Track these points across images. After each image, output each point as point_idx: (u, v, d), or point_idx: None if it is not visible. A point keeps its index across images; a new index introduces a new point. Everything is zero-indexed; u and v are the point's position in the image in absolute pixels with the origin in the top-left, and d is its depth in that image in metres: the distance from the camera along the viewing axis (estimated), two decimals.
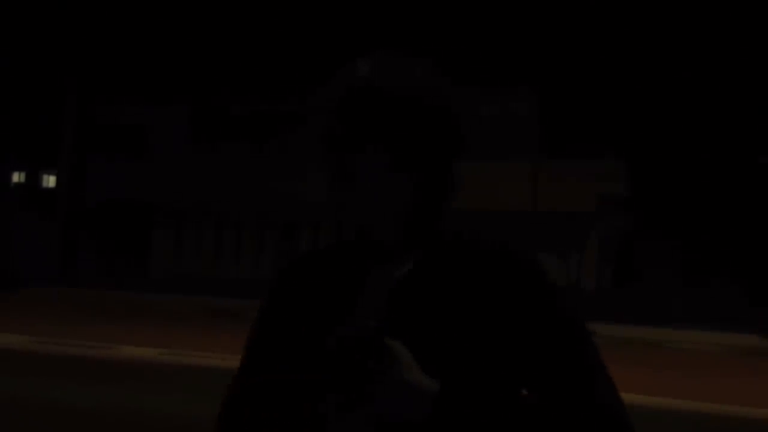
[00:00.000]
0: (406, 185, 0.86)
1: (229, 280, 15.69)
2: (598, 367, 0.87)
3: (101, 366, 6.85)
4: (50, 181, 20.84)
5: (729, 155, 14.01)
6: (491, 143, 13.76)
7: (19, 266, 17.84)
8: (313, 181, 15.77)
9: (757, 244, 13.28)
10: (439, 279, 0.88)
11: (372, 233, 0.87)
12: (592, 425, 0.83)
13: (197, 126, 17.34)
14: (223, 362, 7.21)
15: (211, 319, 11.49)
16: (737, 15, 13.16)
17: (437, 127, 0.85)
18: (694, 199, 13.99)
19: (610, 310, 11.84)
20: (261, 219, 16.52)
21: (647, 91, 13.89)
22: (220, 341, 8.91)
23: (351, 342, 0.80)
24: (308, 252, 0.96)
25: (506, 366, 0.86)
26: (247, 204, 16.41)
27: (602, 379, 0.86)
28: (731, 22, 13.26)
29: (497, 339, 0.86)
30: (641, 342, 10.11)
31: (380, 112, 0.83)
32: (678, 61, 13.76)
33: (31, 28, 17.73)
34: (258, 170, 16.47)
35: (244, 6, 15.66)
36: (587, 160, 13.74)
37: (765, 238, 13.32)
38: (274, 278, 0.95)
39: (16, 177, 22.04)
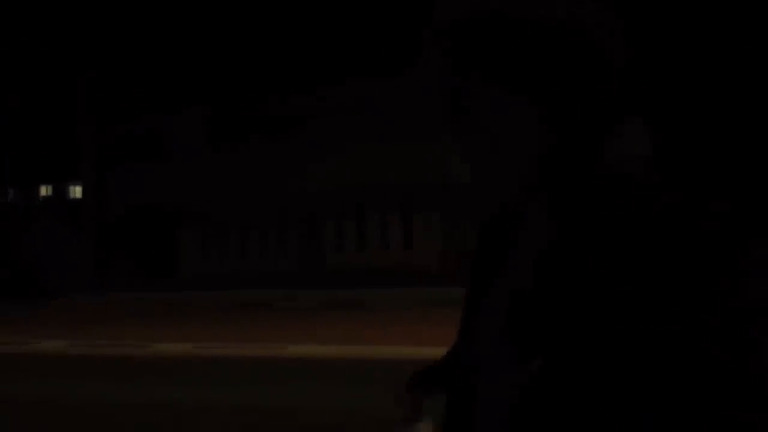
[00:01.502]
0: (531, 116, 0.68)
1: (256, 273, 15.96)
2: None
3: (139, 364, 7.04)
4: (77, 192, 21.23)
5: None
6: None
7: (50, 276, 18.24)
8: (329, 170, 15.93)
9: None
10: (587, 252, 0.66)
11: (496, 197, 0.71)
12: None
13: (213, 128, 17.60)
14: (256, 351, 7.41)
15: (241, 311, 11.60)
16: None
17: (565, 39, 0.68)
18: (715, 165, 13.68)
19: None
20: (282, 214, 16.72)
21: (674, 52, 13.55)
22: (251, 331, 9.09)
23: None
24: (489, 221, 0.82)
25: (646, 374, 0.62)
26: (268, 200, 16.64)
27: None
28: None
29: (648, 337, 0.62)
30: None
31: (494, 30, 0.68)
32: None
33: (45, 39, 18.01)
34: (276, 168, 16.67)
35: (255, 9, 15.81)
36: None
37: None
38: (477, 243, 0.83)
39: (44, 190, 22.50)
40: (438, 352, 1.03)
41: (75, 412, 4.96)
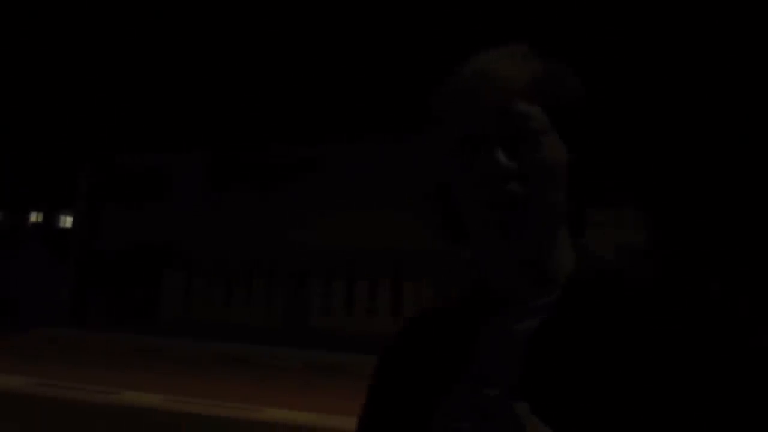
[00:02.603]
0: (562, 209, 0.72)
1: (239, 327, 15.61)
2: None
3: (103, 412, 6.67)
4: (67, 221, 20.96)
5: (749, 206, 13.90)
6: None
7: (29, 305, 17.81)
8: (323, 228, 15.78)
9: None
10: (580, 334, 0.71)
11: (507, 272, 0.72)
12: None
13: (212, 173, 17.47)
14: (230, 411, 7.11)
15: (218, 365, 11.41)
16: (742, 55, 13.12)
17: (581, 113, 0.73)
18: (713, 249, 13.86)
19: None
20: (272, 266, 16.49)
21: (667, 140, 13.81)
22: (226, 388, 8.78)
23: (462, 414, 0.70)
24: (426, 309, 0.84)
25: None
26: (258, 252, 16.41)
27: None
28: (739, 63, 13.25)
29: (664, 420, 0.67)
30: None
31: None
32: (703, 107, 13.63)
33: (49, 76, 18.03)
34: (269, 218, 16.50)
35: (257, 56, 15.86)
36: (606, 208, 14.01)
37: None
38: (388, 340, 0.83)
39: (34, 217, 22.18)
40: None
41: None
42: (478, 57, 0.74)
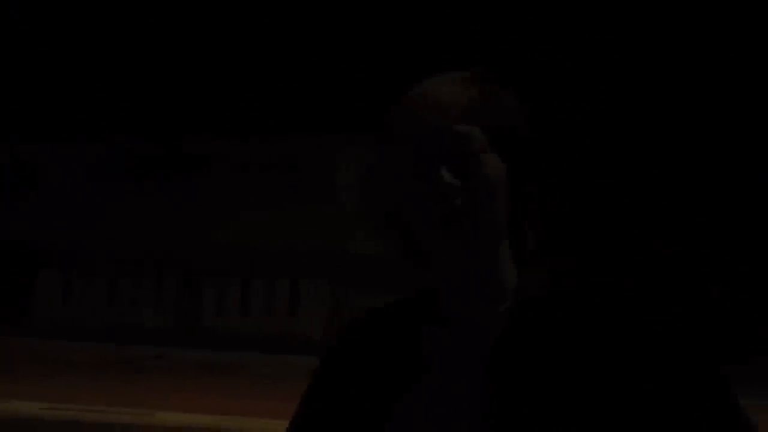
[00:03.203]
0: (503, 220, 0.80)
1: (124, 326, 14.91)
2: None
3: None
4: None
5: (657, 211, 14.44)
6: None
7: None
8: (217, 226, 15.32)
9: (687, 294, 13.62)
10: (537, 350, 0.75)
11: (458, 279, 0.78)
12: None
13: (97, 166, 16.66)
14: (117, 416, 6.78)
15: (103, 368, 10.91)
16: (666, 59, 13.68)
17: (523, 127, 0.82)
18: (616, 250, 14.36)
19: None
20: (159, 264, 15.87)
21: (572, 134, 14.20)
22: (113, 392, 8.35)
23: None
24: (368, 312, 0.86)
25: None
26: (146, 248, 15.73)
27: None
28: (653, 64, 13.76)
29: (620, 418, 0.73)
30: None
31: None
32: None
33: None
34: (157, 215, 15.85)
35: (148, 42, 15.19)
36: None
37: (693, 289, 13.69)
38: (325, 349, 0.85)
39: None
40: None
41: None
42: (423, 82, 0.82)
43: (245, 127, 15.27)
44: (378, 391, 0.78)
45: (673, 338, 0.75)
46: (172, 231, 15.55)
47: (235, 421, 6.70)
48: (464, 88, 0.80)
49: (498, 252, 0.79)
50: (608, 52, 13.59)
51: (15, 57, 15.59)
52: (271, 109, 15.11)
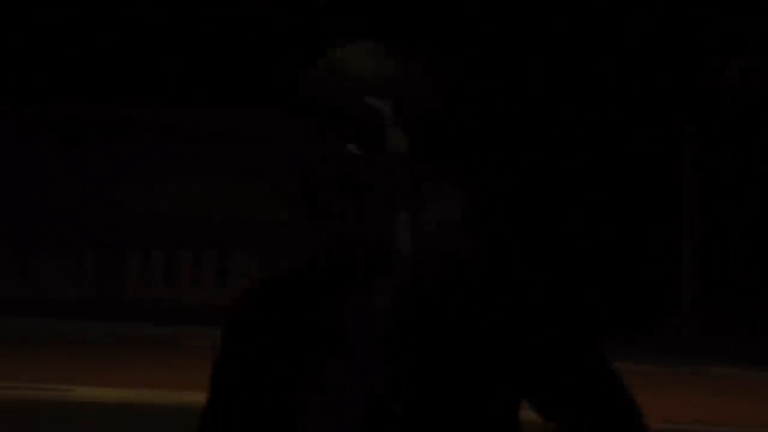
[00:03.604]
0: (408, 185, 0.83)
1: (41, 300, 14.37)
2: (619, 386, 0.83)
3: None
4: None
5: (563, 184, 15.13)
6: None
7: None
8: (142, 195, 14.86)
9: (578, 270, 14.54)
10: (435, 308, 0.80)
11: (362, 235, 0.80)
12: None
13: (11, 134, 15.91)
14: (36, 392, 6.51)
15: (20, 344, 10.49)
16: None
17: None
18: (526, 223, 15.05)
19: None
20: (80, 235, 15.31)
21: (482, 113, 14.71)
22: (31, 368, 8.01)
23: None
24: (266, 280, 0.87)
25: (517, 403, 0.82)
26: (64, 218, 15.13)
27: (625, 396, 0.83)
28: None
29: (513, 376, 0.80)
30: None
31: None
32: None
33: None
34: (76, 182, 15.25)
35: (63, 9, 14.52)
36: (427, 184, 14.69)
37: (584, 264, 14.62)
38: (226, 323, 0.85)
39: None
40: None
41: None
42: (334, 51, 0.83)
43: (170, 94, 14.82)
44: (291, 361, 0.80)
45: (556, 309, 0.80)
46: (93, 200, 15.01)
47: (155, 395, 6.52)
48: (376, 60, 0.82)
49: (396, 223, 0.82)
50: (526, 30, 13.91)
51: None
52: (199, 79, 14.71)
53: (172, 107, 14.75)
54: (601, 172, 14.74)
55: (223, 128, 14.57)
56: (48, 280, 14.98)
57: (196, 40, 14.35)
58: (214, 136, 14.37)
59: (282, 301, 0.83)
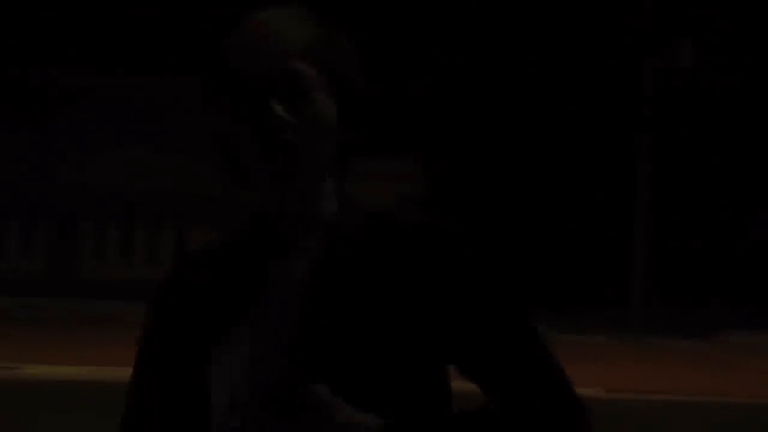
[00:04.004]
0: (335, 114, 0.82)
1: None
2: (549, 356, 0.83)
3: None
4: None
5: (515, 162, 15.39)
6: None
7: None
8: (97, 167, 14.53)
9: (530, 243, 14.97)
10: (352, 271, 0.80)
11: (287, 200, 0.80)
12: (554, 409, 0.80)
13: None
14: None
15: None
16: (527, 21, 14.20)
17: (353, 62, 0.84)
18: (484, 200, 15.35)
19: None
20: (30, 208, 14.92)
21: (442, 94, 14.81)
22: None
23: (256, 403, 0.74)
24: (197, 252, 0.87)
25: (443, 369, 0.81)
26: (13, 190, 14.72)
27: (549, 356, 0.82)
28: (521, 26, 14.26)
29: (432, 340, 0.80)
30: None
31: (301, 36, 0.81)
32: (475, 65, 14.66)
33: None
34: (25, 153, 14.83)
35: None
36: (387, 160, 14.75)
37: (536, 238, 15.04)
38: (154, 293, 0.86)
39: None
40: None
41: None
42: (259, 14, 0.82)
43: (119, 64, 14.45)
44: (204, 327, 0.80)
45: (475, 269, 0.80)
46: (43, 172, 14.62)
47: (109, 372, 6.30)
48: (303, 26, 0.82)
49: (321, 188, 0.82)
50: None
51: None
52: (144, 47, 14.34)
53: (123, 77, 14.40)
54: (556, 152, 14.94)
55: (174, 97, 14.23)
56: None
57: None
58: (168, 107, 14.08)
59: (205, 268, 0.83)
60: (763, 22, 14.23)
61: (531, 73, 14.61)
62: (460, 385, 0.87)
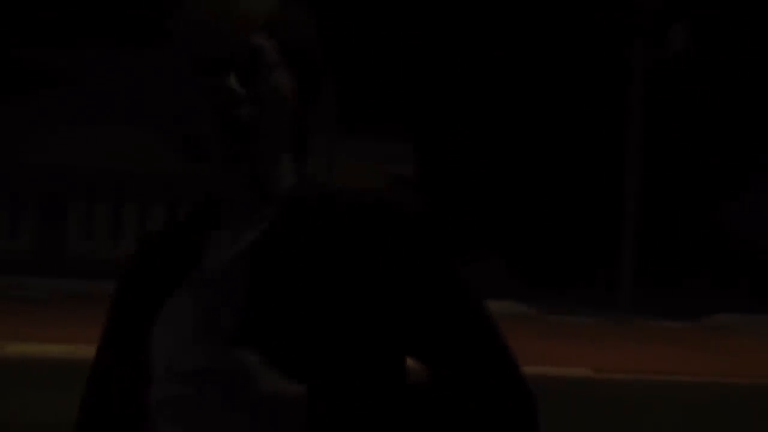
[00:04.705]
0: (292, 88, 0.81)
1: None
2: (494, 334, 0.81)
3: None
4: None
5: (504, 145, 15.35)
6: None
7: None
8: (85, 146, 14.39)
9: (522, 225, 14.99)
10: (302, 243, 0.80)
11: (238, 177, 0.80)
12: (504, 400, 0.78)
13: None
14: None
15: None
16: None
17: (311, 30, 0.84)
18: (475, 182, 15.34)
19: None
20: (17, 187, 14.79)
21: (436, 79, 14.72)
22: None
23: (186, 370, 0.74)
24: (165, 225, 0.88)
25: (389, 345, 0.79)
26: (1, 171, 14.59)
27: (501, 345, 0.81)
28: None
29: (377, 315, 0.78)
30: None
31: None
32: (471, 48, 14.54)
33: None
34: (11, 132, 14.67)
35: None
36: (379, 141, 14.76)
37: (528, 220, 15.06)
38: (124, 262, 0.86)
39: None
40: None
41: None
42: None
43: (104, 38, 14.23)
44: (153, 295, 0.81)
45: (419, 239, 0.79)
46: (30, 148, 14.48)
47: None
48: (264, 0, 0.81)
49: (278, 163, 0.82)
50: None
51: None
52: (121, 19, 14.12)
53: (102, 55, 14.20)
54: (547, 136, 14.91)
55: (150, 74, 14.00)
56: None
57: None
58: (157, 87, 13.90)
59: (160, 243, 0.84)
60: (756, 6, 14.20)
61: (523, 56, 14.55)
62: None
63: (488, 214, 15.03)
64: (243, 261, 0.78)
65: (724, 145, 15.24)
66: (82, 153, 14.53)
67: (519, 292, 12.60)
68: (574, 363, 7.09)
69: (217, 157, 0.77)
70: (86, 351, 6.25)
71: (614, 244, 14.39)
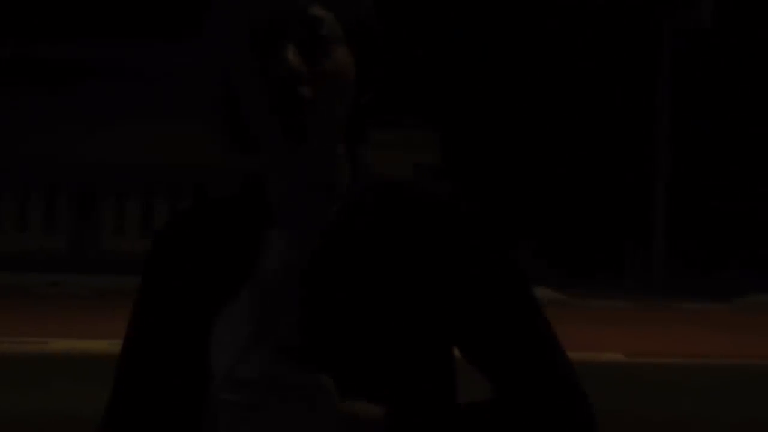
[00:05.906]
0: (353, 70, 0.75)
1: (12, 252, 14.07)
2: (551, 335, 0.79)
3: None
4: None
5: (528, 130, 15.30)
6: None
7: None
8: (117, 143, 14.49)
9: (552, 210, 14.96)
10: (366, 248, 0.74)
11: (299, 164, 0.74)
12: (559, 406, 0.76)
13: None
14: (10, 346, 6.42)
15: None
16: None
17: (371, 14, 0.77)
18: (502, 170, 15.31)
19: None
20: (52, 184, 14.93)
21: (459, 65, 14.66)
22: (4, 322, 7.91)
23: (255, 386, 0.70)
24: (189, 210, 0.80)
25: (450, 352, 0.77)
26: (35, 166, 14.75)
27: (557, 347, 0.79)
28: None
29: (446, 323, 0.75)
30: None
31: None
32: (492, 37, 14.47)
33: None
34: (46, 129, 14.81)
35: None
36: (404, 129, 14.74)
37: (558, 204, 14.97)
38: (149, 250, 0.79)
39: None
40: None
41: None
42: None
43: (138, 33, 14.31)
44: (202, 297, 0.75)
45: (478, 234, 0.76)
46: (64, 147, 14.60)
47: None
48: None
49: (335, 151, 0.75)
50: None
51: None
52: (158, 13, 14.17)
53: (136, 48, 14.25)
54: (575, 118, 14.79)
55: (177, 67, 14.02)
56: (17, 232, 14.66)
57: None
58: (186, 80, 13.94)
59: (205, 227, 0.77)
60: None
61: (550, 38, 14.41)
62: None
63: (517, 200, 14.98)
64: (304, 266, 0.73)
65: (756, 125, 14.99)
66: (116, 149, 14.63)
67: (549, 278, 12.65)
68: (607, 347, 7.08)
69: (276, 134, 0.70)
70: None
71: (646, 227, 14.26)
